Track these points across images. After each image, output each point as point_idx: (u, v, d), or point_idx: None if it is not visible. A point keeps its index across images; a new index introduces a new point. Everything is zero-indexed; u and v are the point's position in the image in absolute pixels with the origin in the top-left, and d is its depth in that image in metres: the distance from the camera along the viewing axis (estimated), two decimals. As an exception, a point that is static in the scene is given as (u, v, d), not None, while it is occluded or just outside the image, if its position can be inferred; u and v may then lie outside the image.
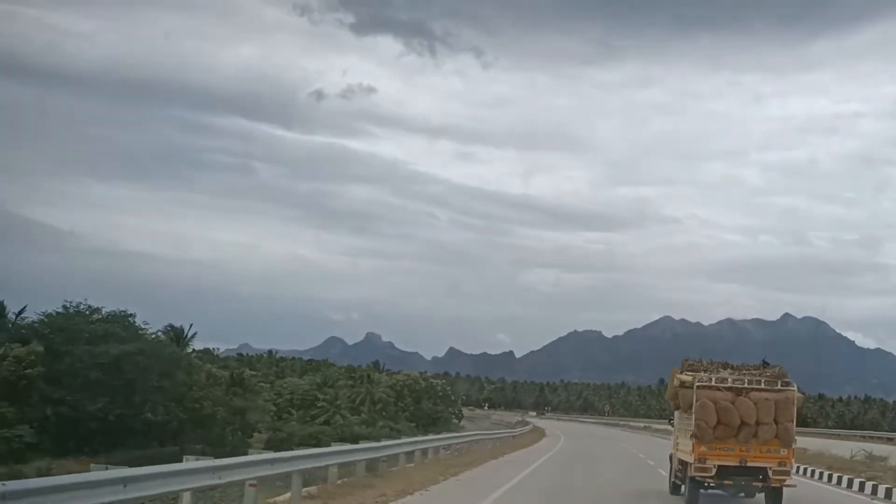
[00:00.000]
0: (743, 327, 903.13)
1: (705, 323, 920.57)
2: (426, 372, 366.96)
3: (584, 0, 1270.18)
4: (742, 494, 25.44)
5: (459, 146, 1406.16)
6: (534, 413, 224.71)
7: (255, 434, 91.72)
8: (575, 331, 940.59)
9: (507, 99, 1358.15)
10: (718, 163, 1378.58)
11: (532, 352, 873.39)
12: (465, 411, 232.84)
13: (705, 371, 24.34)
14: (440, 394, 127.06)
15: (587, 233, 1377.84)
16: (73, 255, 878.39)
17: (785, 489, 23.85)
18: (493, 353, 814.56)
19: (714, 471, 23.38)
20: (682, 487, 26.03)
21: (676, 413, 26.57)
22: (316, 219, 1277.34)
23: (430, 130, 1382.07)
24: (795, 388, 23.54)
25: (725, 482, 23.90)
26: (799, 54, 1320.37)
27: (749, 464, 23.26)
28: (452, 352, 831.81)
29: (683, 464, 25.30)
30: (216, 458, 17.85)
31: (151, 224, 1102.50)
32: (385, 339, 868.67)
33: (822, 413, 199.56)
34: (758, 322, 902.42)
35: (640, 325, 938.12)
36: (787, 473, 23.43)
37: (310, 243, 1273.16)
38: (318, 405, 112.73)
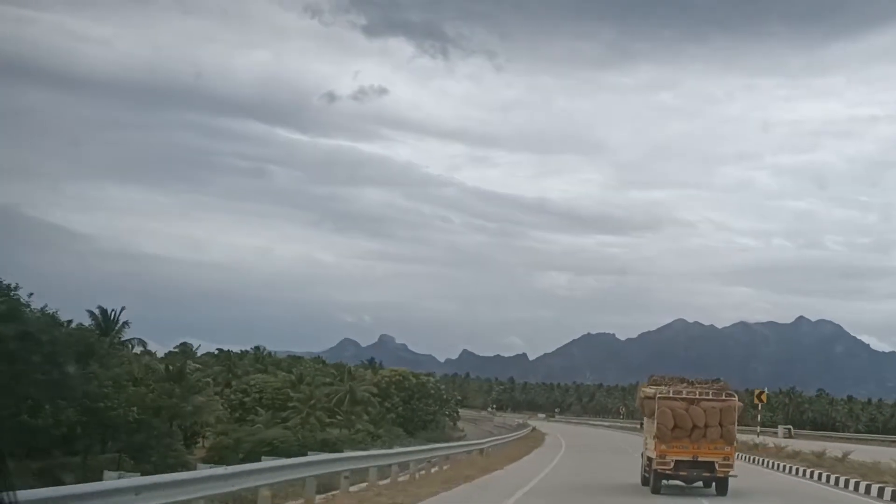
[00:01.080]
0: (757, 330, 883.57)
1: (719, 326, 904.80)
2: (435, 374, 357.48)
3: (598, 2, 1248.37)
4: (698, 483, 31.13)
5: (473, 149, 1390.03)
6: (543, 415, 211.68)
7: (204, 439, 76.35)
8: (588, 333, 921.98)
9: (521, 102, 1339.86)
10: (732, 166, 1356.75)
11: (545, 354, 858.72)
12: (472, 413, 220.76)
13: (666, 385, 31.37)
14: (432, 392, 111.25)
15: (601, 236, 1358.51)
16: (90, 257, 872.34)
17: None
18: (506, 355, 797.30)
19: (672, 464, 29.92)
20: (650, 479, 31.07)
21: (644, 419, 32.65)
22: (330, 222, 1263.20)
23: (443, 134, 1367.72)
24: (736, 399, 30.93)
25: (681, 473, 30.26)
26: (813, 57, 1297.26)
27: (700, 458, 29.83)
28: (466, 354, 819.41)
29: (649, 459, 31.04)
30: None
31: (168, 227, 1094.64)
32: (399, 341, 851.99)
33: (851, 416, 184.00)
34: (772, 325, 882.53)
35: (653, 328, 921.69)
36: (730, 466, 30.06)
37: (324, 246, 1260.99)
38: (290, 405, 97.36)
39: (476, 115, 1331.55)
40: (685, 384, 31.13)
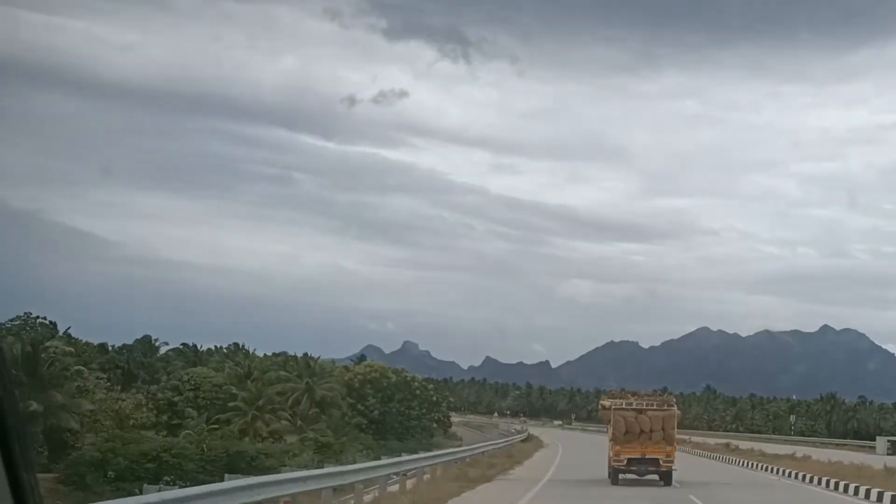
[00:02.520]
0: (781, 339, 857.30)
1: (743, 334, 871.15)
2: (459, 379, 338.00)
3: (623, 7, 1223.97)
4: (649, 476, 38.36)
5: (496, 157, 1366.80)
6: (559, 422, 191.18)
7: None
8: (612, 341, 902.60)
9: (544, 109, 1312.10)
10: (757, 174, 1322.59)
11: (568, 362, 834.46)
12: (482, 419, 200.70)
13: (620, 398, 39.85)
14: (417, 393, 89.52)
15: (624, 244, 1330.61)
16: (118, 264, 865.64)
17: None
18: (529, 362, 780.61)
19: (626, 461, 37.84)
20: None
21: (608, 426, 40.00)
22: (355, 229, 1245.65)
23: (467, 141, 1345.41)
24: (675, 408, 39.57)
25: (633, 468, 38.14)
26: (839, 64, 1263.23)
27: (647, 456, 37.63)
28: (489, 361, 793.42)
29: (609, 458, 38.94)
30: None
31: (194, 234, 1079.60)
32: (422, 347, 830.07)
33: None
34: (796, 334, 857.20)
35: (676, 337, 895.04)
36: (672, 462, 38.02)
37: (349, 253, 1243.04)
38: (231, 405, 76.20)
39: (500, 122, 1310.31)
40: (635, 397, 40.25)
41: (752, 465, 57.48)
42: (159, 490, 13.40)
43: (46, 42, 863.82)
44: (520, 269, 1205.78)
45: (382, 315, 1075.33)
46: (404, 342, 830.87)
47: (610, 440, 38.39)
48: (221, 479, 21.52)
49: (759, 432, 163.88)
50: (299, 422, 76.02)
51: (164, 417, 76.72)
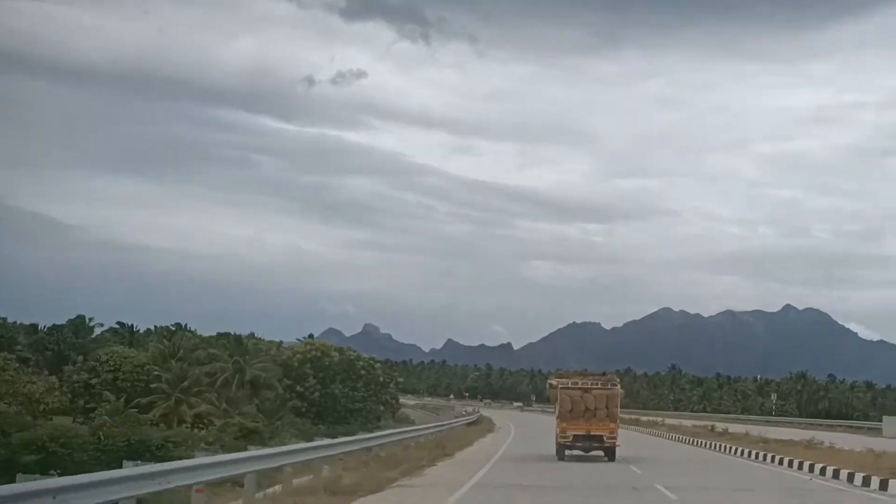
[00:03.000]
0: (743, 319, 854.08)
1: (705, 315, 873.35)
2: (419, 362, 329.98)
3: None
4: (592, 452, 39.31)
5: (458, 138, 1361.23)
6: (519, 404, 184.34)
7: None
8: (574, 322, 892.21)
9: (505, 91, 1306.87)
10: (719, 154, 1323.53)
11: (530, 343, 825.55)
12: (441, 402, 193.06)
13: (567, 378, 40.86)
14: (363, 374, 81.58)
15: (586, 224, 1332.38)
16: (79, 248, 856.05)
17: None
18: (491, 344, 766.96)
19: (571, 438, 38.59)
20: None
21: (555, 404, 40.49)
22: (316, 211, 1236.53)
23: (427, 122, 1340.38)
24: (619, 387, 40.29)
25: (578, 444, 38.90)
26: (801, 44, 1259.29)
27: (592, 433, 38.56)
28: (450, 343, 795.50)
29: (556, 435, 39.59)
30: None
31: (157, 217, 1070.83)
32: (383, 330, 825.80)
33: (874, 405, 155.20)
34: (758, 314, 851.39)
35: (639, 317, 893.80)
36: (615, 438, 38.74)
37: (310, 236, 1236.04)
38: (154, 387, 68.31)
39: (460, 103, 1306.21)
40: (581, 377, 41.07)
41: (760, 456, 43.06)
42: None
43: (8, 25, 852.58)
44: (481, 251, 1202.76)
45: (343, 298, 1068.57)
46: (365, 325, 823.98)
47: (557, 417, 39.76)
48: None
49: (728, 412, 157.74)
50: (224, 405, 68.27)
51: (81, 402, 68.84)
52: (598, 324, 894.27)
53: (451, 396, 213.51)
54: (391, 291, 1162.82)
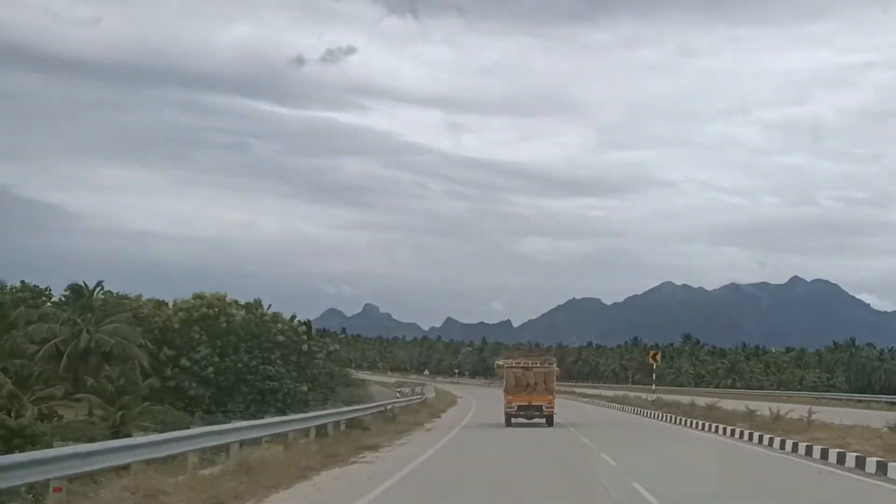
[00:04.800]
0: (748, 292, 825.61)
1: (708, 288, 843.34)
2: (412, 339, 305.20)
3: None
4: (534, 420, 45.50)
5: (450, 115, 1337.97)
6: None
7: None
8: (573, 298, 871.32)
9: (496, 64, 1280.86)
10: (717, 123, 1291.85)
11: (530, 320, 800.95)
12: (425, 380, 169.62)
13: (512, 359, 47.68)
14: (281, 340, 53.67)
15: (582, 199, 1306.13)
16: (81, 235, 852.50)
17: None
18: (490, 322, 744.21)
19: (516, 408, 45.23)
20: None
21: (503, 380, 47.10)
22: (311, 193, 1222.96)
23: (419, 100, 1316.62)
24: (555, 365, 46.93)
25: (522, 413, 45.33)
26: (801, 2, 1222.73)
27: (533, 404, 45.16)
28: (450, 322, 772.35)
29: (504, 405, 46.03)
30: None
31: (154, 203, 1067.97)
32: (383, 310, 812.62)
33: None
34: (764, 286, 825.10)
35: (640, 292, 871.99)
36: (552, 407, 45.43)
37: (306, 218, 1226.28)
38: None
39: (451, 79, 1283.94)
40: (523, 357, 48.73)
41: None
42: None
43: (5, 19, 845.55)
44: (477, 229, 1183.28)
45: (342, 278, 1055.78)
46: (365, 305, 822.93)
47: (504, 391, 46.33)
48: None
49: (760, 387, 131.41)
50: (39, 386, 41.83)
51: None
52: (598, 299, 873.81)
53: (426, 372, 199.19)
54: (389, 271, 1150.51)
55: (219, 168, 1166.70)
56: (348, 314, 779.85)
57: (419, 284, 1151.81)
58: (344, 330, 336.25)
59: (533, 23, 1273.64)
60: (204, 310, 51.60)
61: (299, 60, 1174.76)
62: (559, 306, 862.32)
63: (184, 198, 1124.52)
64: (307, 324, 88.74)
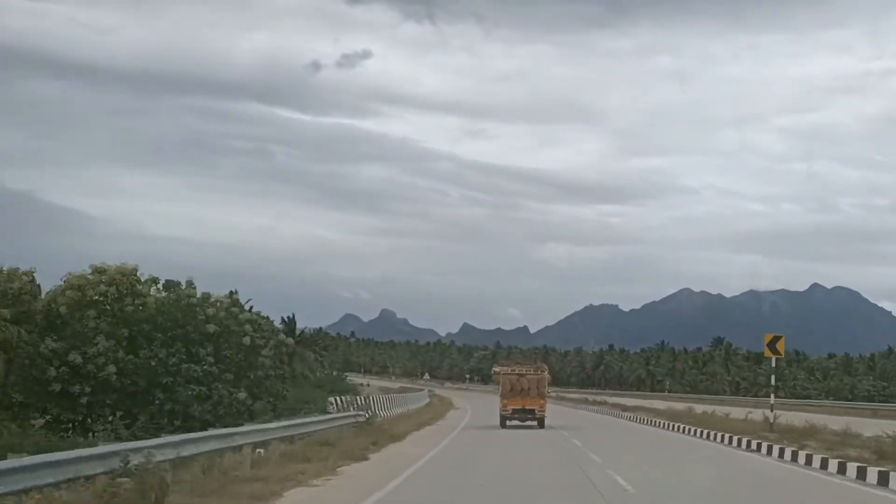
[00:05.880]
0: (767, 299, 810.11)
1: (727, 295, 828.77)
2: (425, 343, 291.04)
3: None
4: (528, 422, 48.63)
5: (468, 122, 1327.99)
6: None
7: None
8: (591, 305, 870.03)
9: (514, 71, 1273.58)
10: (736, 129, 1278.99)
11: (547, 326, 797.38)
12: (431, 385, 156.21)
13: (507, 367, 52.68)
14: (212, 331, 38.09)
15: (601, 205, 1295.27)
16: (104, 240, 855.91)
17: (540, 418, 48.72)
18: (507, 328, 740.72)
19: (510, 411, 48.71)
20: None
21: (499, 386, 51.13)
22: (330, 199, 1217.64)
23: (437, 107, 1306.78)
24: (547, 372, 51.46)
25: (516, 416, 48.73)
26: (821, 10, 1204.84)
27: (527, 407, 48.49)
28: (466, 327, 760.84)
29: (499, 409, 49.61)
30: None
31: (176, 209, 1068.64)
32: (400, 315, 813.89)
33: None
34: (783, 293, 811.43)
35: (658, 298, 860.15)
36: (544, 411, 49.05)
37: (325, 223, 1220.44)
38: None
39: (470, 86, 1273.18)
40: (518, 365, 53.91)
41: None
42: None
43: (32, 27, 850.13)
44: (495, 235, 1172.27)
45: (360, 284, 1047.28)
46: (382, 310, 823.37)
47: (500, 396, 50.24)
48: None
49: (807, 396, 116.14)
50: None
51: None
52: (616, 305, 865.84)
53: (426, 377, 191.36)
54: (406, 277, 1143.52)
55: (241, 174, 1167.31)
56: (365, 319, 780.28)
57: (437, 290, 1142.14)
58: (353, 333, 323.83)
59: (551, 30, 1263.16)
60: (103, 287, 36.55)
61: (316, 65, 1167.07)
62: (576, 312, 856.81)
63: (205, 204, 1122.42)
64: (291, 320, 74.29)
